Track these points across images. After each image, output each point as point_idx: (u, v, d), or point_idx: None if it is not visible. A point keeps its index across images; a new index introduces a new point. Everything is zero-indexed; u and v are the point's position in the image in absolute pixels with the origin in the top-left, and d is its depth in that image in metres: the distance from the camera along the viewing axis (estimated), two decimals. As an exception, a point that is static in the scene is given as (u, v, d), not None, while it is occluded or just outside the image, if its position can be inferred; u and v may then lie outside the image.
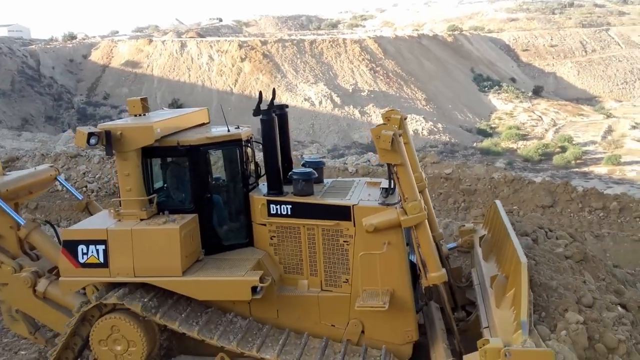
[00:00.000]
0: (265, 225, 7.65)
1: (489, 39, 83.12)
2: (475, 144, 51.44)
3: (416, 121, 54.40)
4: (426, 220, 6.98)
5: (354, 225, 7.25)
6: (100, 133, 7.31)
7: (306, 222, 7.46)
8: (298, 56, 63.88)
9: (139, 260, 7.25)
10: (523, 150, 49.15)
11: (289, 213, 7.49)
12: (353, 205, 7.26)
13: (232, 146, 7.92)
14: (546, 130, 56.79)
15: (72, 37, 75.36)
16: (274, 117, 7.70)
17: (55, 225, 9.63)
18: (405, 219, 6.90)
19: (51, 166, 9.96)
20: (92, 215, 9.25)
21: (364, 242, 7.17)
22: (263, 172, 8.13)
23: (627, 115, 61.97)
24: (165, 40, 67.45)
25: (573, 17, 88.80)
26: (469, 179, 17.73)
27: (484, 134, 55.87)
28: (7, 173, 9.36)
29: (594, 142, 51.77)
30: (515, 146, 51.39)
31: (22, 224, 8.47)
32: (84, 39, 74.49)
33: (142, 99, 8.14)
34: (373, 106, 56.96)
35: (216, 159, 8.25)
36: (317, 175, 7.89)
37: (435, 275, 6.98)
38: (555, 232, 8.89)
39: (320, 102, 56.51)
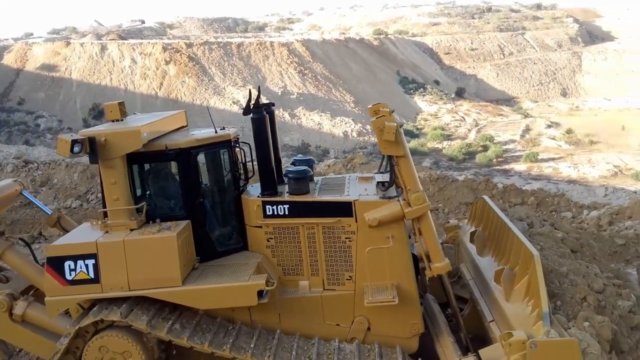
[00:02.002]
0: (261, 227, 7.29)
1: (413, 42, 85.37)
2: (402, 145, 52.46)
3: (345, 123, 54.94)
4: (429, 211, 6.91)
5: (356, 221, 7.03)
6: (84, 140, 6.70)
7: (305, 221, 7.18)
8: (225, 59, 62.97)
9: (133, 272, 6.77)
10: (448, 150, 50.72)
11: (287, 213, 7.19)
12: (354, 201, 7.06)
13: (221, 148, 7.55)
14: (469, 130, 58.89)
15: (-19, 39, 70.81)
16: (265, 116, 7.35)
17: (30, 243, 8.92)
18: (410, 210, 6.79)
19: (15, 180, 9.09)
20: (65, 230, 8.66)
21: (367, 237, 7.00)
22: (251, 173, 7.81)
23: (542, 115, 65.40)
24: (84, 43, 64.63)
25: (491, 22, 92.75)
26: (397, 179, 17.87)
27: (411, 134, 57.14)
28: None
29: (513, 141, 54.21)
30: (441, 146, 52.94)
31: None
32: (-6, 41, 70.13)
33: (119, 103, 7.58)
34: (303, 109, 57.03)
35: (205, 161, 7.79)
36: (312, 173, 7.65)
37: (440, 265, 6.92)
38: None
39: (249, 106, 55.89)
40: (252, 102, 7.32)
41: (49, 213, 9.14)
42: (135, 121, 7.58)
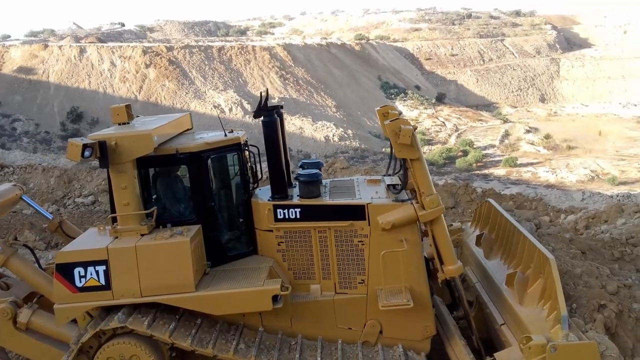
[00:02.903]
0: (271, 231, 7.25)
1: (394, 48, 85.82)
2: (384, 149, 52.68)
3: (327, 128, 54.90)
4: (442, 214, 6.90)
5: (369, 224, 7.03)
6: (94, 144, 6.55)
7: (317, 225, 7.17)
8: (206, 63, 62.60)
9: (145, 278, 6.66)
10: (428, 155, 50.93)
11: (298, 217, 7.16)
12: (367, 204, 7.05)
13: (231, 151, 7.48)
14: (449, 135, 59.30)
15: (-44, 40, 69.47)
16: (276, 119, 7.32)
17: (33, 249, 8.72)
18: (424, 213, 6.81)
19: (14, 185, 8.90)
20: (67, 235, 8.55)
21: (380, 240, 7.00)
22: (260, 176, 7.76)
23: (521, 120, 66.11)
24: (62, 45, 63.69)
25: (471, 28, 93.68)
26: (377, 184, 17.86)
27: (392, 139, 57.37)
28: None
29: (492, 146, 54.69)
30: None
31: None
32: (-30, 43, 68.84)
33: (126, 106, 7.42)
34: (284, 113, 56.82)
35: (215, 165, 7.67)
36: (322, 176, 7.59)
37: (453, 268, 6.95)
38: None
39: (231, 109, 55.63)
40: (261, 104, 7.25)
41: (50, 218, 8.98)
42: (143, 125, 7.42)
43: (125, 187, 6.87)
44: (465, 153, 50.59)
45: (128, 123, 7.39)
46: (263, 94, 7.40)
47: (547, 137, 56.22)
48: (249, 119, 55.10)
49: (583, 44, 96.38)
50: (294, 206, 7.18)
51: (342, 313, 7.21)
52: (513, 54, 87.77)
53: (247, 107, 56.09)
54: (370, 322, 7.19)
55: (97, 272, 6.68)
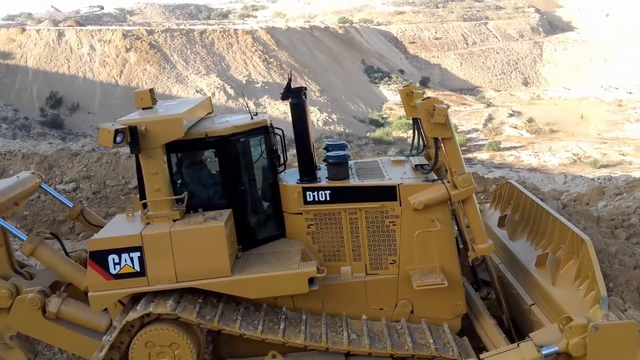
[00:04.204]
0: (301, 214, 7.23)
1: (378, 31, 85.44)
2: (368, 134, 52.69)
3: (311, 112, 54.61)
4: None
5: (400, 205, 7.03)
6: (124, 129, 6.42)
7: (348, 207, 7.16)
8: (188, 46, 61.75)
9: (181, 264, 6.63)
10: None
11: (328, 199, 7.16)
12: (399, 185, 7.04)
13: (259, 134, 7.41)
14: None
15: None
16: (304, 100, 7.25)
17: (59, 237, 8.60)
18: (456, 192, 6.82)
19: (33, 173, 8.83)
20: (89, 223, 8.61)
21: (411, 221, 7.01)
22: (285, 159, 7.74)
23: (505, 104, 66.42)
24: (40, 29, 62.34)
25: (455, 11, 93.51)
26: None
27: (376, 124, 57.36)
28: None
29: (476, 130, 54.94)
30: (406, 135, 53.20)
31: (25, 239, 7.46)
32: (-56, 27, 67.09)
33: (150, 90, 7.29)
34: (268, 97, 56.46)
35: (244, 148, 7.60)
36: (351, 157, 7.58)
37: (484, 246, 6.99)
38: None
39: (213, 94, 55.04)
40: (289, 87, 7.20)
41: (70, 206, 8.91)
42: (168, 109, 7.29)
43: (156, 173, 6.81)
44: (449, 137, 50.69)
45: (151, 108, 7.27)
46: (289, 76, 7.47)
47: (530, 120, 56.59)
48: (232, 103, 54.66)
49: (566, 27, 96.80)
50: (324, 188, 7.18)
51: (374, 294, 7.27)
52: (496, 37, 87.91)
53: (230, 91, 55.59)
54: (401, 302, 7.25)
55: (131, 258, 6.61)
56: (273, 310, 7.06)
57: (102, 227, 8.60)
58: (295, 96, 7.22)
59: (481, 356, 5.91)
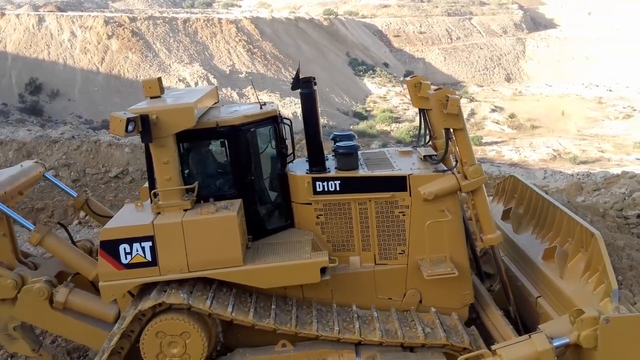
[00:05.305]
0: (310, 204, 7.23)
1: (363, 24, 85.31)
2: (351, 127, 52.67)
3: (295, 104, 54.45)
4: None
5: (410, 195, 7.06)
6: (136, 118, 6.33)
7: (357, 197, 7.18)
8: (171, 35, 61.05)
9: (193, 253, 6.64)
10: (396, 133, 51.22)
11: (338, 189, 7.16)
12: (409, 175, 7.07)
13: (269, 123, 7.41)
14: (417, 113, 59.52)
15: None
16: (314, 90, 7.22)
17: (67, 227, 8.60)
18: (467, 183, 6.88)
19: (36, 162, 8.77)
20: (94, 212, 8.60)
21: (421, 211, 7.05)
22: (293, 149, 7.74)
23: (487, 100, 66.88)
24: (20, 14, 61.11)
25: (439, 6, 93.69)
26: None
27: (360, 116, 57.41)
28: None
29: (459, 124, 55.25)
30: (389, 129, 53.37)
31: (32, 228, 7.41)
32: None
33: (158, 79, 7.23)
34: (252, 88, 56.16)
35: (253, 138, 7.57)
36: (360, 148, 7.60)
37: (493, 236, 7.08)
38: None
39: (197, 83, 54.58)
40: (298, 76, 7.17)
41: (74, 195, 8.85)
42: (177, 98, 7.23)
43: (167, 162, 6.77)
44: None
45: (159, 97, 7.21)
46: (298, 66, 7.52)
47: (512, 116, 57.10)
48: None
49: (548, 24, 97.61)
50: (334, 178, 7.20)
51: (382, 284, 7.32)
52: (480, 32, 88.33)
53: (214, 81, 55.14)
54: (410, 291, 7.31)
55: (142, 248, 6.59)
56: (284, 300, 7.09)
57: (106, 216, 8.72)
58: (305, 86, 7.21)
59: (492, 347, 5.94)
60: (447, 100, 6.61)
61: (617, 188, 14.46)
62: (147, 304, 6.52)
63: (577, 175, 20.98)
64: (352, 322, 6.85)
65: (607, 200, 12.66)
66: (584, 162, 42.43)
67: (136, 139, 21.14)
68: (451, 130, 6.94)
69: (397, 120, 55.93)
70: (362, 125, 52.57)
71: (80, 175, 19.02)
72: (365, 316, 7.05)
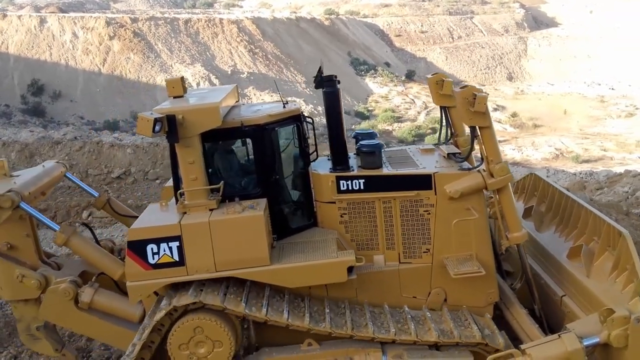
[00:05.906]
0: (334, 202, 7.19)
1: (365, 23, 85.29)
2: (353, 126, 52.66)
3: (296, 103, 54.50)
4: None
5: (435, 194, 7.01)
6: (163, 118, 6.29)
7: (382, 196, 7.15)
8: (172, 35, 61.16)
9: (220, 253, 6.61)
10: (398, 132, 51.24)
11: (362, 188, 7.13)
12: (434, 174, 7.02)
13: (293, 123, 7.36)
14: (418, 112, 59.58)
15: None
16: (338, 89, 7.21)
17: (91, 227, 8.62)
18: (493, 181, 6.84)
19: (58, 162, 8.73)
20: (116, 212, 8.62)
21: (446, 209, 7.01)
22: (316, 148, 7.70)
23: (489, 99, 66.68)
24: (21, 15, 61.27)
25: (441, 5, 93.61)
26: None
27: (362, 116, 57.43)
28: (14, 174, 8.03)
29: (461, 124, 55.23)
30: (391, 128, 53.40)
31: (57, 229, 7.38)
32: None
33: (181, 78, 7.22)
34: (253, 88, 56.21)
35: (277, 137, 7.57)
36: (384, 146, 7.57)
37: (518, 234, 7.05)
38: None
39: (198, 84, 54.65)
40: (321, 75, 7.17)
41: (96, 195, 8.86)
42: (201, 98, 7.21)
43: (193, 162, 6.74)
44: (435, 130, 50.94)
45: (182, 96, 7.18)
46: (320, 65, 7.36)
47: (514, 115, 57.11)
48: (217, 94, 54.24)
49: (550, 23, 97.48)
50: (358, 177, 7.14)
51: (407, 282, 7.27)
52: (482, 32, 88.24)
53: (215, 81, 55.21)
54: (435, 290, 7.26)
55: (170, 248, 6.58)
56: (316, 300, 7.07)
57: (128, 216, 8.77)
58: (329, 85, 7.19)
59: (521, 347, 5.87)
60: (474, 98, 6.59)
61: (620, 187, 14.44)
62: (184, 300, 6.50)
63: (580, 174, 20.94)
64: (407, 323, 6.80)
65: (611, 199, 12.64)
66: (587, 161, 42.39)
67: (136, 139, 21.23)
68: (477, 128, 6.94)
69: (398, 119, 55.93)
70: (364, 125, 52.58)
71: (83, 176, 19.06)
72: (418, 317, 7.02)
